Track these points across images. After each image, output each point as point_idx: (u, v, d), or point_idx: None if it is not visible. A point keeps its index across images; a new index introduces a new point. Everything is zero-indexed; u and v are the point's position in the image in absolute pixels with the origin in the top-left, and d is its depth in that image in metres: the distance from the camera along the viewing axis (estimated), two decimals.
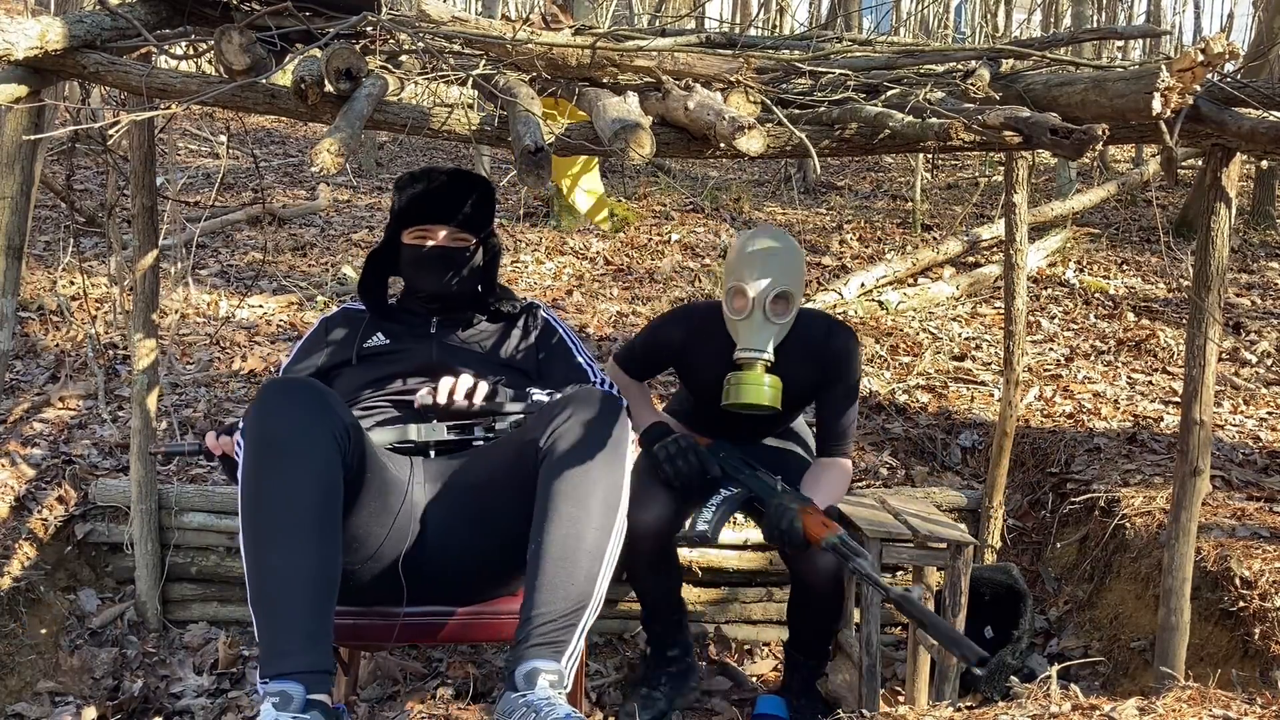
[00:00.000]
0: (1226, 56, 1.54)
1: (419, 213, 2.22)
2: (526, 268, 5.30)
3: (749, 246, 2.32)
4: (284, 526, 1.66)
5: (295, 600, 1.64)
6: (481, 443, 2.05)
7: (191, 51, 2.13)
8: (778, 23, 7.86)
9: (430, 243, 2.21)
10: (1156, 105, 1.59)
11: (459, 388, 2.01)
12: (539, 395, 2.08)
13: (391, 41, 1.85)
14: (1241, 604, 2.49)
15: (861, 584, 2.08)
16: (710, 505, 2.24)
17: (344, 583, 1.80)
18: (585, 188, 2.80)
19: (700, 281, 5.24)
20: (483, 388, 2.02)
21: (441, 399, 2.01)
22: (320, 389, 1.80)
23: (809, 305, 3.47)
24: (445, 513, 1.94)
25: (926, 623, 1.77)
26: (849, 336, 2.39)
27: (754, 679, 2.77)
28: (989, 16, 8.46)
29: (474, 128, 1.78)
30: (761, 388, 2.22)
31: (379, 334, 2.23)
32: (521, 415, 2.03)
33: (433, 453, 2.04)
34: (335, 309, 2.34)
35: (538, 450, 1.79)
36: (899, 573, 3.04)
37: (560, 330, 2.32)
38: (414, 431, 2.02)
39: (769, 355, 2.24)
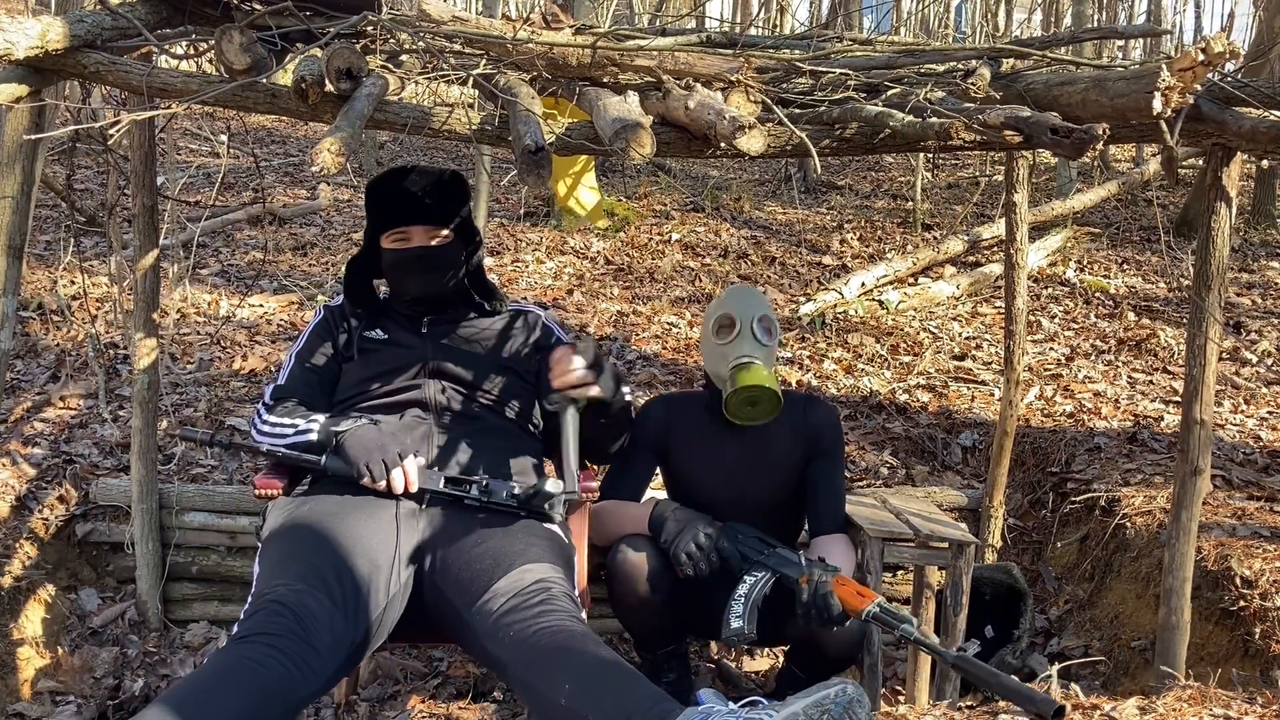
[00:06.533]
0: (1227, 56, 1.54)
1: (392, 214, 2.19)
2: (526, 268, 5.30)
3: (726, 295, 2.35)
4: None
5: None
6: (474, 502, 2.00)
7: (192, 51, 2.14)
8: (778, 22, 7.85)
9: (409, 244, 2.18)
10: (1157, 105, 1.59)
11: (397, 484, 1.95)
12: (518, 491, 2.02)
13: (392, 41, 1.85)
14: (1242, 603, 2.49)
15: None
16: (738, 598, 2.11)
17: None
18: (586, 186, 2.80)
19: (700, 281, 5.24)
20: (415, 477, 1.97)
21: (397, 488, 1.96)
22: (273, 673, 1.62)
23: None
24: (454, 560, 1.91)
25: (991, 682, 1.70)
26: (828, 408, 2.41)
27: (753, 675, 2.77)
28: (989, 16, 8.45)
29: (474, 127, 1.78)
30: (763, 372, 2.15)
31: (377, 329, 2.23)
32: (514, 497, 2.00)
33: (425, 502, 2.00)
34: (340, 299, 2.32)
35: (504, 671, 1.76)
36: (899, 572, 3.05)
37: (558, 335, 2.31)
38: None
39: (762, 361, 2.19)
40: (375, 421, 2.07)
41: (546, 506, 1.96)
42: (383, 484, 1.94)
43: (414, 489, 1.96)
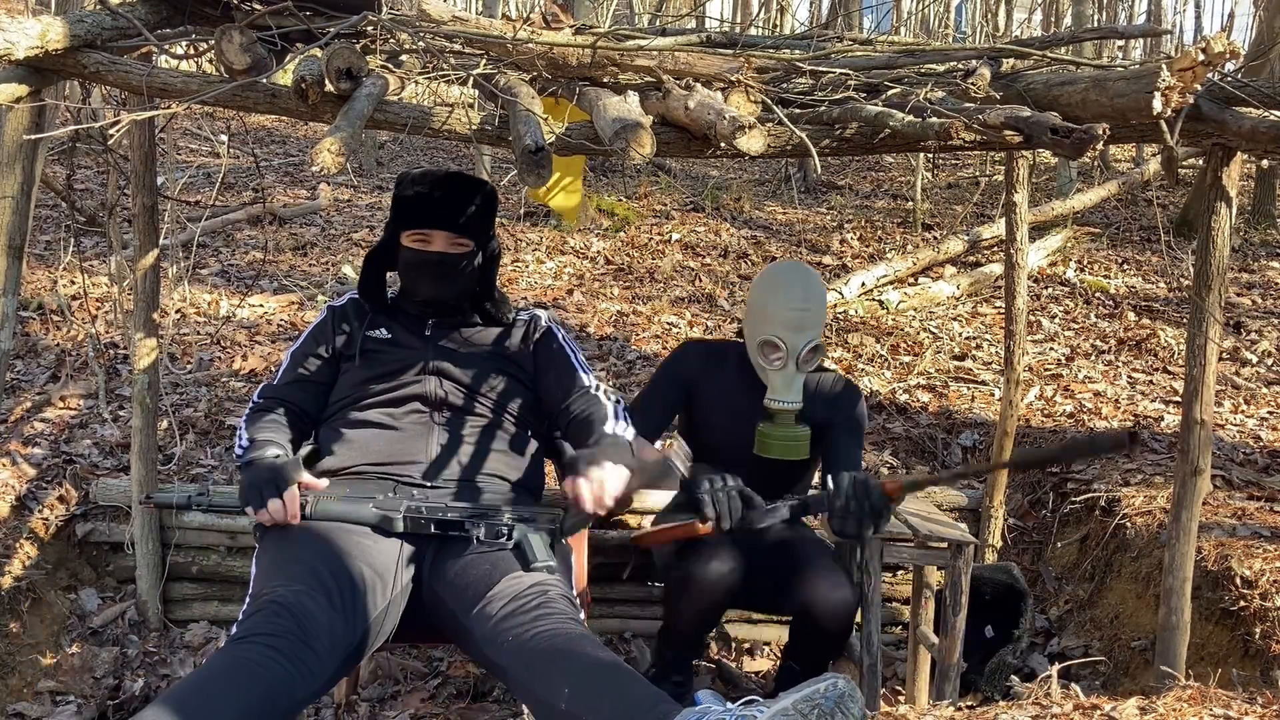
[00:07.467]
0: (1227, 56, 1.55)
1: (419, 216, 2.19)
2: (526, 267, 5.30)
3: (784, 295, 2.30)
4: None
5: None
6: (462, 532, 1.97)
7: (192, 51, 2.14)
8: (778, 22, 7.86)
9: (429, 248, 2.18)
10: (1157, 104, 1.59)
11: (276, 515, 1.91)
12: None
13: (392, 41, 1.85)
14: (1242, 603, 2.49)
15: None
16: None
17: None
18: (567, 188, 2.80)
19: (700, 281, 5.24)
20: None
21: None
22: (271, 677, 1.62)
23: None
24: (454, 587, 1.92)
25: (1053, 457, 1.73)
26: (857, 390, 2.46)
27: (753, 675, 2.78)
28: (989, 16, 8.46)
29: (474, 127, 1.78)
30: (795, 443, 2.26)
31: (381, 329, 2.23)
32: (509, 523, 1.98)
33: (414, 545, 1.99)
34: (345, 299, 2.33)
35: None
36: (899, 572, 3.05)
37: (559, 337, 2.31)
38: (400, 523, 1.96)
39: (800, 403, 2.27)
40: (371, 423, 2.09)
41: (534, 560, 1.92)
42: (264, 515, 1.91)
43: (295, 520, 1.92)
